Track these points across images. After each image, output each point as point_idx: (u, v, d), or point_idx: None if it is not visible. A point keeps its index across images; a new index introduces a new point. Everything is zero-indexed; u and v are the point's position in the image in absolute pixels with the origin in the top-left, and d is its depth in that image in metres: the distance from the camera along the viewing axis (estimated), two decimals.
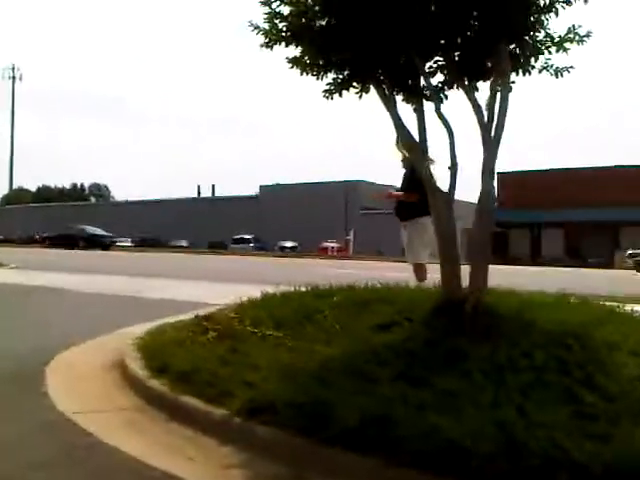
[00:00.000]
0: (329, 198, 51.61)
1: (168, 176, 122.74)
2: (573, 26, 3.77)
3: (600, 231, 44.09)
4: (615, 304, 4.35)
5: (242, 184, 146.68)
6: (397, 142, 7.79)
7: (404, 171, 7.78)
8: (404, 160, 7.78)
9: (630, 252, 41.05)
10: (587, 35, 3.76)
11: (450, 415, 2.64)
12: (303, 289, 5.25)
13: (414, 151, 3.88)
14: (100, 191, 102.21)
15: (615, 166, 44.93)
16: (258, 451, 2.94)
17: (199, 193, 69.53)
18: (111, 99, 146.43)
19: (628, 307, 4.17)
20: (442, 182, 4.23)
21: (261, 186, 60.19)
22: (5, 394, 3.85)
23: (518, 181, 43.86)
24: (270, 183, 60.06)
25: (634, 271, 26.44)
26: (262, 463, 2.85)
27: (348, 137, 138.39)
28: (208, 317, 4.61)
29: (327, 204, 51.29)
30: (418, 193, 7.49)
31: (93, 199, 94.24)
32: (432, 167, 7.64)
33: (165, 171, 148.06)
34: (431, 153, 6.52)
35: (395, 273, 7.92)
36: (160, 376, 3.74)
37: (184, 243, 53.40)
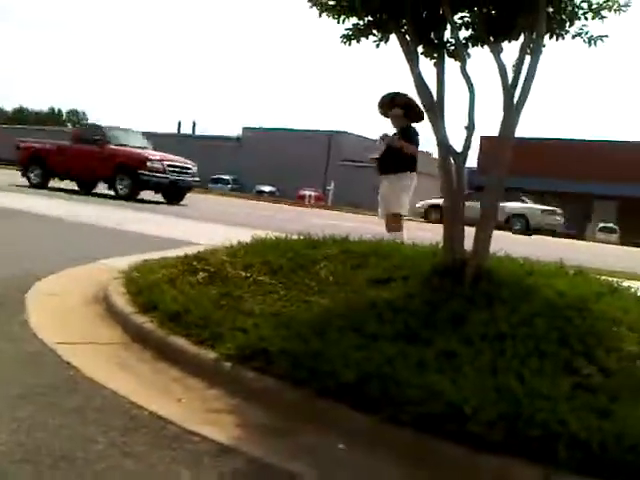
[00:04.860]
0: (311, 146, 51.00)
1: (148, 107, 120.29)
2: None
3: (572, 203, 44.45)
4: (612, 279, 4.32)
5: (222, 123, 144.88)
6: (380, 104, 7.60)
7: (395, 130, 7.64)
8: (393, 120, 7.60)
9: (602, 225, 41.59)
10: (626, 4, 3.59)
11: (450, 377, 2.60)
12: (295, 237, 5.13)
13: (431, 108, 3.73)
14: (78, 118, 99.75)
15: (591, 140, 45.52)
16: (248, 397, 2.88)
17: (179, 129, 68.17)
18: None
19: (626, 283, 4.14)
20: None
21: (244, 128, 59.10)
22: None
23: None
24: (254, 126, 58.97)
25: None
26: (252, 410, 2.79)
27: (338, 87, 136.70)
28: (197, 257, 4.48)
29: (309, 152, 50.69)
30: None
31: (70, 125, 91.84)
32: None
33: (145, 102, 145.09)
34: None
35: (381, 227, 7.84)
36: (148, 313, 3.63)
37: None
